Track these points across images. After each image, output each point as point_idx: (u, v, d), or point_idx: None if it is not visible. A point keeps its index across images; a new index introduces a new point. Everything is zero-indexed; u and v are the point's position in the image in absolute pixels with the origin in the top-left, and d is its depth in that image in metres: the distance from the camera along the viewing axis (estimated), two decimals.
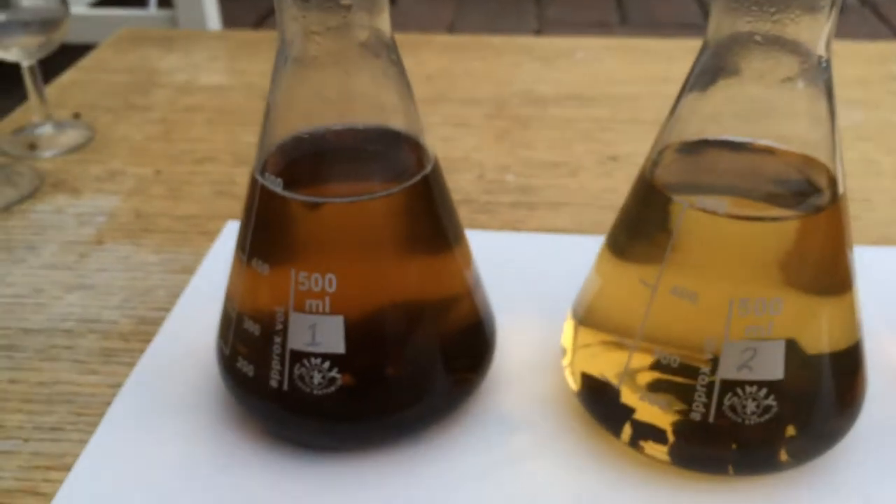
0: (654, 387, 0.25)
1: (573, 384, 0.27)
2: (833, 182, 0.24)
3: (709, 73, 0.23)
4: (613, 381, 0.25)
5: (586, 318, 0.27)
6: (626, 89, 0.55)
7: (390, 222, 0.25)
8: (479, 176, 0.44)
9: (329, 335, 0.24)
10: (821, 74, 0.22)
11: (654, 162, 0.25)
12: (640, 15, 2.22)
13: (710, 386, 0.24)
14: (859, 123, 0.49)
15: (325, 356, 0.24)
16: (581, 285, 0.28)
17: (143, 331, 0.32)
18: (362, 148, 0.25)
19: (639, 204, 0.25)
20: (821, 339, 0.24)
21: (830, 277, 0.24)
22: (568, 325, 0.28)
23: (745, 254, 0.23)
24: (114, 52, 0.62)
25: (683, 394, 0.24)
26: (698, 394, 0.24)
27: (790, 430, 0.24)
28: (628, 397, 0.25)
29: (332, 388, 0.25)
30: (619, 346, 0.25)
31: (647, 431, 0.25)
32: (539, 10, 2.22)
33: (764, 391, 0.23)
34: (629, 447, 0.26)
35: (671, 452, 0.25)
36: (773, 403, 0.24)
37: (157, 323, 0.33)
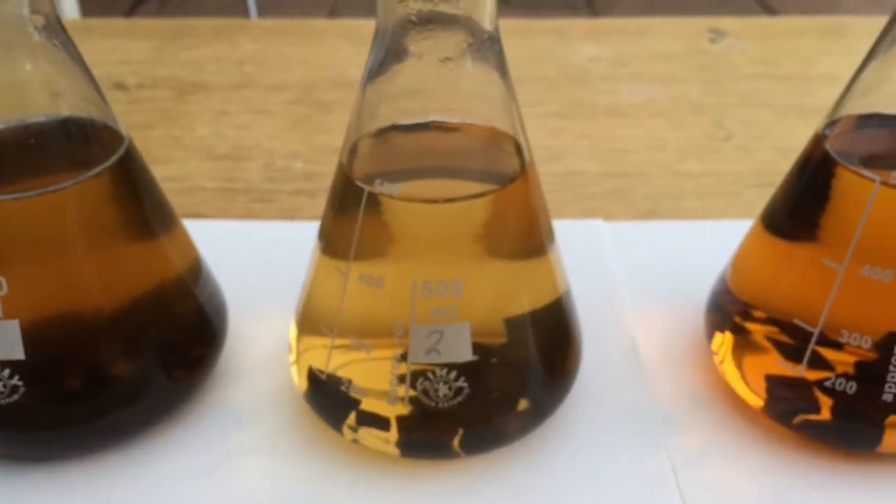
0: (359, 377, 0.24)
1: (297, 381, 0.26)
2: (515, 156, 0.24)
3: (382, 58, 0.23)
4: (325, 375, 0.25)
5: (302, 312, 0.26)
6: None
7: (66, 217, 0.23)
8: (267, 164, 0.43)
9: (4, 341, 0.23)
10: (490, 50, 0.22)
11: (349, 152, 0.24)
12: None
13: (405, 371, 0.23)
14: (654, 99, 0.50)
15: (2, 364, 0.23)
16: None
17: None
18: (36, 142, 0.24)
19: (336, 195, 0.25)
20: (512, 315, 0.24)
21: (517, 254, 0.24)
22: (293, 321, 0.27)
23: (421, 235, 0.23)
24: None
25: (383, 382, 0.24)
26: (393, 381, 0.24)
27: (492, 409, 0.24)
28: (338, 390, 0.25)
29: (16, 397, 0.23)
30: (326, 338, 0.25)
31: (365, 423, 0.25)
32: None
33: (454, 373, 0.23)
34: (353, 441, 0.25)
35: (389, 442, 0.25)
36: (465, 385, 0.23)
37: None
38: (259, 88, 0.51)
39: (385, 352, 0.24)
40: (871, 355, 0.24)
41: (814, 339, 0.24)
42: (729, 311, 0.27)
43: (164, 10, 1.89)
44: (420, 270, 0.23)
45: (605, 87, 0.52)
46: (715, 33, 0.60)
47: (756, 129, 0.47)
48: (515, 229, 0.24)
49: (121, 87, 0.51)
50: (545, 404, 0.26)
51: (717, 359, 0.27)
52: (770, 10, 2.18)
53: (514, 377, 0.25)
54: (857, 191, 0.23)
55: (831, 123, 0.25)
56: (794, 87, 0.52)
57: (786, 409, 0.26)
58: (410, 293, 0.23)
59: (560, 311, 0.26)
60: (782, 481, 0.25)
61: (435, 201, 0.23)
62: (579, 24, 0.62)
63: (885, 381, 0.24)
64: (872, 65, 0.24)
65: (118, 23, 0.67)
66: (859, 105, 0.24)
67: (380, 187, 0.23)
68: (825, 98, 0.51)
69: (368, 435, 0.25)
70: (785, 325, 0.25)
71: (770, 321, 0.26)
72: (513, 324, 0.25)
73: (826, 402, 0.25)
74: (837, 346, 0.24)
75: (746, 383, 0.26)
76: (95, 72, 0.25)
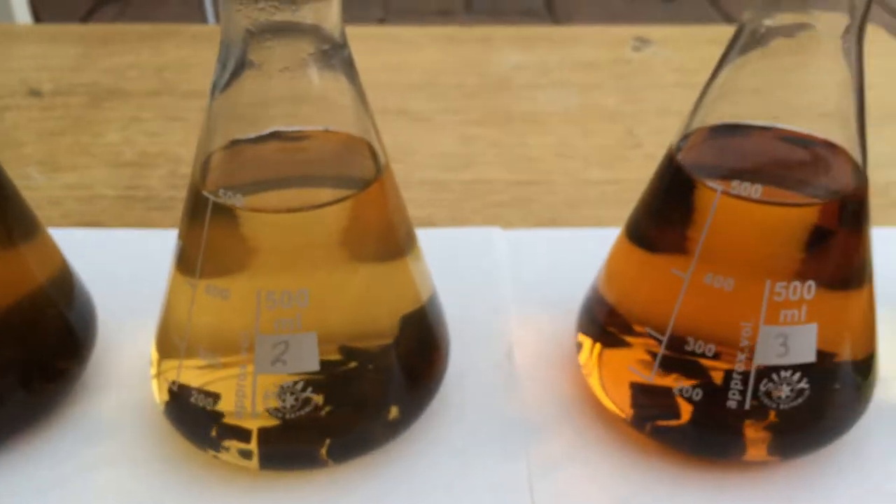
0: (211, 390, 0.24)
1: (157, 395, 0.26)
2: (368, 162, 0.24)
3: (226, 70, 0.22)
4: (179, 389, 0.25)
5: (160, 325, 0.26)
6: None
7: None
8: (171, 171, 0.43)
9: None
10: (336, 57, 0.22)
11: (199, 165, 0.24)
12: (484, 2, 2.25)
13: (252, 382, 0.23)
14: (570, 107, 0.50)
15: None
16: None
17: None
18: None
19: (187, 208, 0.24)
20: (368, 324, 0.24)
21: (370, 261, 0.24)
22: (154, 334, 0.27)
23: (265, 246, 0.23)
24: None
25: (234, 394, 0.24)
26: (241, 393, 0.24)
27: (348, 419, 0.24)
28: (193, 404, 0.24)
29: None
30: (178, 351, 0.25)
31: (222, 437, 0.24)
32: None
33: (301, 384, 0.23)
34: (213, 456, 0.25)
35: (246, 455, 0.24)
36: (313, 396, 0.23)
37: None
38: (176, 95, 0.51)
39: (234, 364, 0.23)
40: (716, 363, 0.24)
41: (663, 346, 0.25)
42: (593, 319, 0.27)
43: (121, 16, 1.87)
44: (264, 281, 0.23)
45: (525, 95, 0.52)
46: (639, 41, 0.60)
47: (667, 137, 0.47)
48: (368, 236, 0.24)
49: (35, 93, 0.51)
50: (407, 412, 0.26)
51: (582, 367, 0.28)
52: (728, 18, 2.21)
53: (372, 385, 0.25)
54: (701, 201, 0.24)
55: (685, 136, 0.25)
56: None
57: (641, 416, 0.26)
58: (255, 304, 0.23)
59: (422, 317, 0.26)
60: (635, 490, 0.25)
61: (277, 211, 0.23)
62: (506, 32, 0.62)
63: (728, 389, 0.24)
64: (722, 75, 0.24)
65: (46, 28, 0.66)
66: (710, 116, 0.24)
67: (223, 198, 0.22)
68: None
69: (226, 448, 0.25)
70: (639, 334, 0.25)
71: (626, 329, 0.26)
72: (369, 332, 0.25)
73: (676, 410, 0.25)
74: (684, 353, 0.24)
75: (606, 391, 0.27)
76: (9, 78, 0.25)
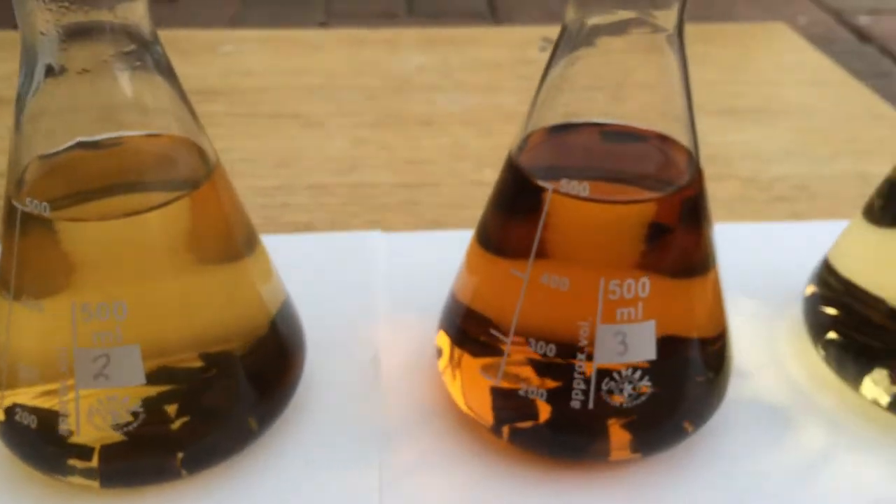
0: (36, 408, 0.23)
1: None
2: (196, 163, 0.23)
3: (27, 77, 0.21)
4: (8, 409, 0.23)
5: None
6: (258, 82, 0.53)
7: None
8: None
9: None
10: (148, 57, 0.22)
11: (13, 177, 0.23)
12: (427, 5, 2.24)
13: (75, 399, 0.22)
14: (469, 108, 0.50)
15: None
16: None
17: None
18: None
19: (2, 217, 0.23)
20: (198, 332, 0.24)
21: (202, 268, 0.23)
22: None
23: (78, 257, 0.22)
24: None
25: (57, 413, 0.23)
26: (65, 411, 0.22)
27: (191, 430, 0.24)
28: (22, 425, 0.23)
29: None
30: (1, 370, 0.23)
31: (57, 457, 0.23)
32: (327, 2, 2.20)
33: (127, 398, 0.22)
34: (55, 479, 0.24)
35: (85, 474, 0.23)
36: (141, 410, 0.23)
37: None
38: None
39: (56, 380, 0.22)
40: (558, 363, 0.24)
41: (507, 348, 0.24)
42: (450, 323, 0.27)
43: None
44: (79, 293, 0.22)
45: (423, 97, 0.52)
46: (546, 42, 0.60)
47: None
48: (195, 241, 0.23)
49: None
50: (259, 420, 0.25)
51: (441, 372, 0.27)
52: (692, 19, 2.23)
53: (214, 394, 0.24)
54: (535, 201, 0.23)
55: (525, 136, 0.25)
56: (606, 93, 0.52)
57: (497, 420, 0.25)
58: (70, 317, 0.22)
59: (269, 323, 0.25)
60: (489, 495, 0.25)
61: (86, 220, 0.22)
62: (412, 34, 0.62)
63: (571, 389, 0.24)
64: (552, 75, 0.24)
65: None
66: (546, 116, 0.24)
67: (32, 207, 0.21)
68: (633, 105, 0.52)
69: (69, 470, 0.24)
70: (487, 337, 0.25)
71: (476, 333, 0.25)
72: (204, 340, 0.24)
73: (527, 413, 0.24)
74: (528, 355, 0.24)
75: (464, 396, 0.26)
76: None
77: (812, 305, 0.29)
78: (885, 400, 0.27)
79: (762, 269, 0.34)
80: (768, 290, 0.33)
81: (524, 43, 0.60)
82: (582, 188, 0.22)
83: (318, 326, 0.31)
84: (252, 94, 0.52)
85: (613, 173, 0.24)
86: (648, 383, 0.24)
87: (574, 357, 0.23)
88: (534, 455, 0.26)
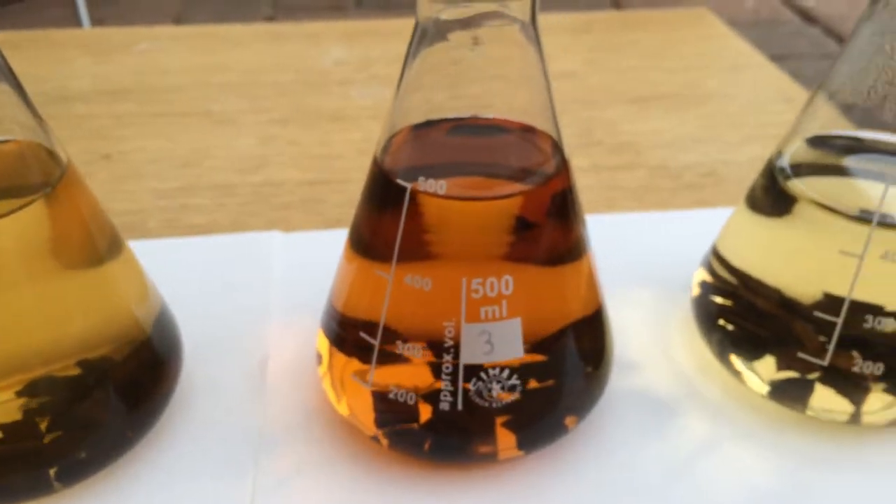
0: None
1: None
2: (45, 167, 0.22)
3: None
4: None
5: None
6: (173, 80, 0.52)
7: None
8: None
9: None
10: None
11: None
12: None
13: None
14: (382, 102, 0.50)
15: None
16: None
17: None
18: None
19: None
20: (55, 341, 0.23)
21: (57, 273, 0.23)
22: None
23: None
24: None
25: None
26: None
27: (63, 442, 0.23)
28: None
29: None
30: None
31: None
32: None
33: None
34: None
35: None
36: (8, 424, 0.22)
37: None
38: None
39: None
40: (426, 365, 0.23)
41: (376, 351, 0.24)
42: (327, 327, 0.26)
43: None
44: None
45: (338, 92, 0.51)
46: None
47: None
48: (50, 248, 0.23)
49: None
50: (133, 428, 0.24)
51: (322, 378, 0.27)
52: (616, 4, 2.24)
53: (82, 404, 0.23)
54: (395, 200, 0.23)
55: (390, 136, 0.24)
56: None
57: (374, 425, 0.25)
58: None
59: (139, 331, 0.25)
60: (364, 499, 0.25)
61: None
62: (336, 27, 0.61)
63: (440, 391, 0.23)
64: (409, 73, 0.23)
65: None
66: (409, 114, 0.24)
67: None
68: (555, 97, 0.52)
69: None
70: (358, 340, 0.24)
71: (349, 336, 0.25)
72: (68, 350, 0.23)
73: (397, 415, 0.24)
74: (396, 357, 0.24)
75: (340, 400, 0.26)
76: None
77: (699, 294, 0.29)
78: (765, 389, 0.27)
79: (659, 258, 0.33)
80: (664, 279, 0.33)
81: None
82: (439, 186, 0.22)
83: (207, 331, 0.30)
84: (165, 92, 0.51)
85: (475, 169, 0.24)
86: (518, 381, 0.23)
87: (441, 358, 0.23)
88: (414, 459, 0.26)
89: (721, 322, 0.28)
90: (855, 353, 0.25)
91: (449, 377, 0.23)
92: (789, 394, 0.26)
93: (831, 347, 0.25)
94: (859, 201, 0.24)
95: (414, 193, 0.22)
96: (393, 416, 0.24)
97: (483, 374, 0.23)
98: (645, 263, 0.34)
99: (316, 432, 0.27)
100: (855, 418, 0.26)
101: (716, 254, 0.29)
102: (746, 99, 0.50)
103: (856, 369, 0.25)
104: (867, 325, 0.24)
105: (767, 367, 0.26)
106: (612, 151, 0.44)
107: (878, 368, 0.25)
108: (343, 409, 0.26)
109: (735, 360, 0.27)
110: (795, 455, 0.26)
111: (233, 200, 0.39)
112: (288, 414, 0.27)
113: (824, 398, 0.26)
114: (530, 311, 0.23)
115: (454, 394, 0.23)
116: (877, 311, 0.24)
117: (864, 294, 0.24)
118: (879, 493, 0.25)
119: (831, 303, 0.25)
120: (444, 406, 0.23)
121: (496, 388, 0.23)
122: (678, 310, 0.31)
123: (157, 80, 0.52)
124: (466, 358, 0.23)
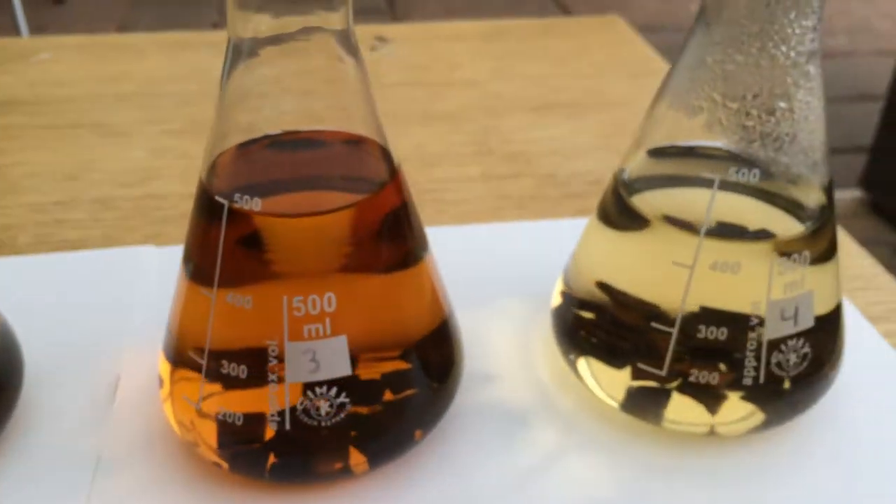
0: None
1: None
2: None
3: None
4: None
5: None
6: (69, 91, 0.51)
7: None
8: None
9: None
10: None
11: None
12: None
13: None
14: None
15: None
16: None
17: None
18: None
19: None
20: None
21: None
22: None
23: None
24: None
25: None
26: None
27: None
28: None
29: None
30: None
31: None
32: (220, 2, 2.15)
33: None
34: None
35: None
36: None
37: None
38: None
39: None
40: (252, 385, 0.23)
41: (203, 371, 0.23)
42: (166, 347, 0.26)
43: None
44: None
45: None
46: (379, 41, 0.60)
47: None
48: None
49: None
50: None
51: (163, 399, 0.26)
52: (565, 10, 2.26)
53: None
54: (215, 219, 0.22)
55: (216, 156, 0.24)
56: (431, 92, 0.52)
57: (209, 447, 0.24)
58: None
59: None
60: None
61: None
62: None
63: (269, 412, 0.23)
64: (229, 90, 0.23)
65: None
66: (230, 134, 0.23)
67: None
68: (453, 104, 0.52)
69: None
70: (188, 360, 0.24)
71: (180, 356, 0.24)
72: None
73: (231, 438, 0.24)
74: (223, 377, 0.23)
75: (178, 423, 0.25)
76: None
77: (557, 305, 0.29)
78: (616, 401, 0.27)
79: (530, 268, 0.33)
80: (532, 290, 0.33)
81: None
82: (254, 203, 0.22)
83: (58, 352, 0.29)
84: (58, 103, 0.49)
85: (296, 184, 0.23)
86: (347, 399, 0.23)
87: (266, 378, 0.23)
88: (256, 481, 0.25)
89: (573, 334, 0.28)
90: (693, 364, 0.25)
91: (275, 397, 0.23)
92: (640, 406, 0.27)
93: (668, 358, 0.25)
94: (690, 212, 0.25)
95: (232, 211, 0.22)
96: (229, 438, 0.24)
97: (310, 393, 0.23)
98: (516, 274, 0.34)
99: (158, 456, 0.26)
100: (713, 430, 0.26)
101: (571, 265, 0.29)
102: (644, 106, 0.50)
103: (692, 379, 0.25)
104: (700, 336, 0.25)
105: (616, 380, 0.26)
106: (504, 160, 0.44)
107: (714, 378, 0.25)
108: (183, 433, 0.25)
109: (585, 372, 0.27)
110: (640, 466, 0.26)
111: (111, 215, 0.39)
112: (132, 437, 0.27)
113: (679, 410, 0.26)
114: (358, 327, 0.23)
115: (282, 413, 0.23)
116: (709, 320, 0.24)
117: (696, 304, 0.24)
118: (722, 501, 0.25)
119: (667, 314, 0.25)
120: (274, 426, 0.23)
121: (324, 406, 0.23)
122: (542, 320, 0.31)
123: (51, 91, 0.51)
124: (292, 377, 0.23)
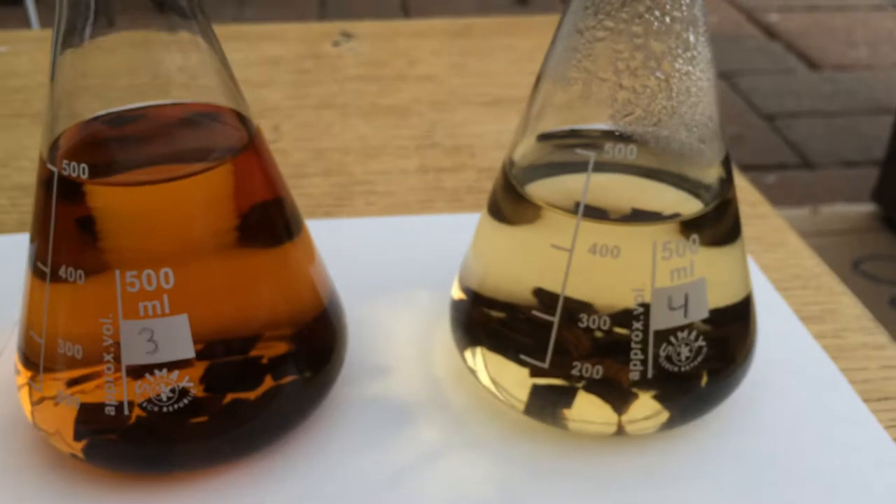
0: None
1: None
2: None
3: None
4: None
5: None
6: (20, 83, 0.50)
7: None
8: None
9: None
10: None
11: None
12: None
13: None
14: None
15: None
16: None
17: None
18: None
19: None
20: None
21: None
22: None
23: None
24: None
25: None
26: None
27: None
28: None
29: None
30: None
31: None
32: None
33: None
34: None
35: None
36: None
37: None
38: None
39: None
40: (89, 369, 0.21)
41: (42, 356, 0.22)
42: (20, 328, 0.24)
43: None
44: None
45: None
46: (343, 36, 0.59)
47: (312, 131, 0.45)
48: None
49: None
50: None
51: (19, 387, 0.25)
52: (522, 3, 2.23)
53: None
54: (48, 188, 0.21)
55: (59, 134, 0.22)
56: (384, 86, 0.51)
57: (61, 437, 0.23)
58: None
59: None
60: None
61: None
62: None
63: (106, 397, 0.21)
64: (60, 75, 0.22)
65: None
66: (74, 110, 0.22)
67: None
68: (404, 98, 0.51)
69: None
70: (29, 340, 0.22)
71: (24, 338, 0.23)
72: None
73: (89, 425, 0.22)
74: (60, 359, 0.22)
75: (31, 413, 0.24)
76: None
77: (455, 299, 0.27)
78: (519, 402, 0.25)
79: (445, 261, 0.32)
80: (439, 283, 0.31)
81: (321, 37, 0.58)
82: (82, 170, 0.20)
83: None
84: (5, 94, 0.49)
85: (138, 155, 0.22)
86: (191, 384, 0.21)
87: (101, 359, 0.21)
88: (115, 472, 0.23)
89: (465, 327, 0.26)
90: (578, 356, 0.23)
91: (112, 381, 0.21)
92: (537, 406, 0.24)
93: (549, 350, 0.23)
94: (569, 195, 0.23)
95: (62, 178, 0.21)
96: (80, 426, 0.22)
97: (149, 376, 0.21)
98: (424, 267, 0.32)
99: (13, 445, 0.25)
100: (620, 429, 0.24)
101: (466, 257, 0.27)
102: None
103: (575, 372, 0.23)
104: (582, 325, 0.23)
105: (503, 373, 0.25)
106: (448, 153, 0.43)
107: (598, 371, 0.23)
108: (34, 420, 0.24)
109: (478, 365, 0.25)
110: (528, 466, 0.24)
111: (30, 201, 0.38)
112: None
113: (578, 406, 0.24)
114: (204, 308, 0.21)
115: (121, 398, 0.21)
116: (591, 308, 0.23)
117: (577, 291, 0.23)
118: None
119: (549, 302, 0.23)
120: (111, 411, 0.21)
121: (165, 391, 0.21)
122: (445, 315, 0.29)
123: (2, 82, 0.50)
124: (128, 359, 0.21)
